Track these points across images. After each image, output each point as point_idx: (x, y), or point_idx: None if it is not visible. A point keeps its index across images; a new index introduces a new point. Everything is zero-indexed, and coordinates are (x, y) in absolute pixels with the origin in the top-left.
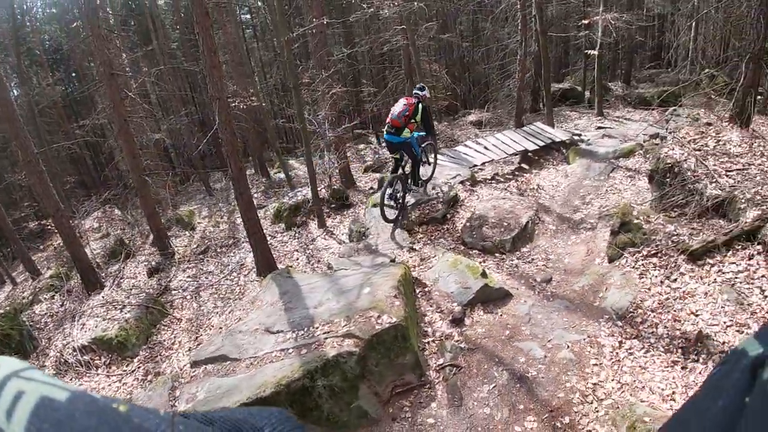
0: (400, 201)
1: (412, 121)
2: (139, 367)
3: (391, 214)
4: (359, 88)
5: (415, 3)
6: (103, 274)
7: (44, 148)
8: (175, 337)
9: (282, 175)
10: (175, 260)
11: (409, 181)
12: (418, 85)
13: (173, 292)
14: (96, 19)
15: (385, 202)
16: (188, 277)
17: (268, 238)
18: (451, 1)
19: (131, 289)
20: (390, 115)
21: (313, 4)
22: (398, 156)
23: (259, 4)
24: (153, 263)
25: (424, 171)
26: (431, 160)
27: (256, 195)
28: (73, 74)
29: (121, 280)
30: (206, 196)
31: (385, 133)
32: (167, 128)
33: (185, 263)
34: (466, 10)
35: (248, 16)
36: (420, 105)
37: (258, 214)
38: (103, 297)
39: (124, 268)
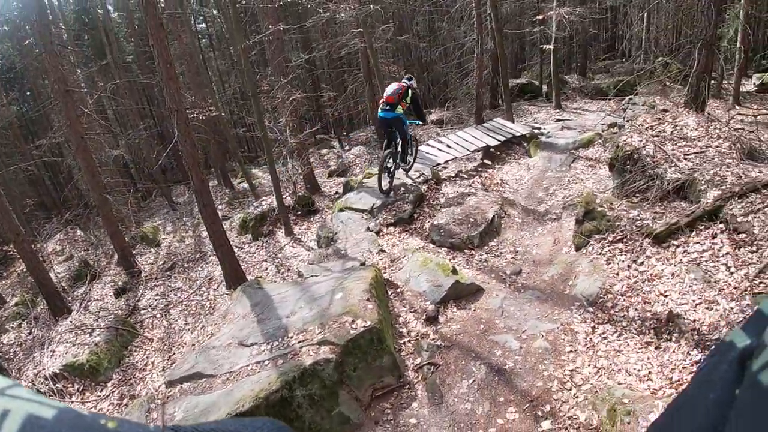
0: (392, 173)
1: (404, 101)
2: (113, 392)
3: (385, 185)
4: (319, 93)
5: (371, 6)
6: (70, 298)
7: (1, 171)
8: (147, 357)
9: (246, 185)
10: (142, 279)
11: (398, 159)
12: (406, 76)
13: (142, 311)
14: (48, 35)
15: (383, 173)
16: (156, 295)
17: (236, 250)
18: (406, 2)
19: (99, 312)
20: (384, 94)
21: (268, 10)
22: (391, 131)
23: (215, 12)
24: (119, 283)
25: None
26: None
27: (220, 206)
28: (28, 93)
29: (89, 303)
30: (169, 211)
31: (380, 111)
32: (126, 143)
33: (152, 281)
34: (422, 10)
35: (203, 26)
36: (410, 90)
37: (223, 225)
38: (71, 322)
39: (90, 290)
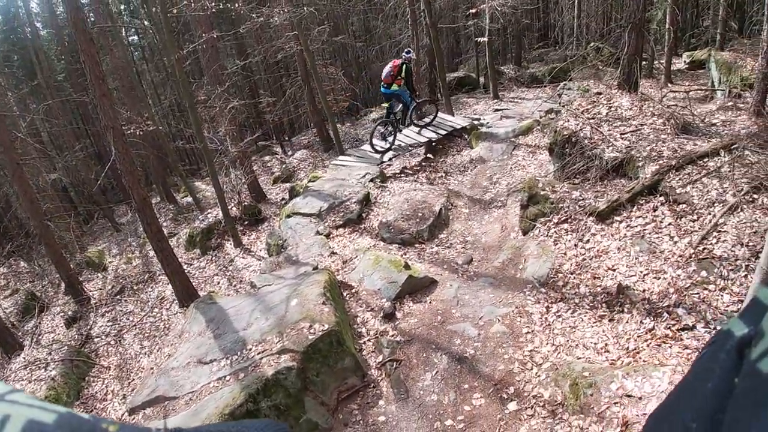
0: (391, 141)
1: (399, 77)
2: None
3: (380, 147)
4: (257, 99)
5: (305, 8)
6: (20, 333)
7: None
8: (107, 386)
9: (190, 199)
10: (92, 305)
11: (399, 124)
12: (406, 50)
13: (96, 339)
14: None
15: (374, 138)
16: (108, 321)
17: (185, 266)
18: (340, 2)
19: (52, 345)
20: (382, 75)
21: (201, 18)
22: (390, 104)
23: (146, 23)
24: (69, 313)
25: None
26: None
27: (165, 223)
28: None
29: (40, 337)
30: (113, 233)
31: (381, 88)
32: (63, 166)
33: (103, 307)
34: (356, 10)
35: (136, 38)
36: (405, 65)
37: (170, 242)
38: (24, 358)
39: (40, 323)
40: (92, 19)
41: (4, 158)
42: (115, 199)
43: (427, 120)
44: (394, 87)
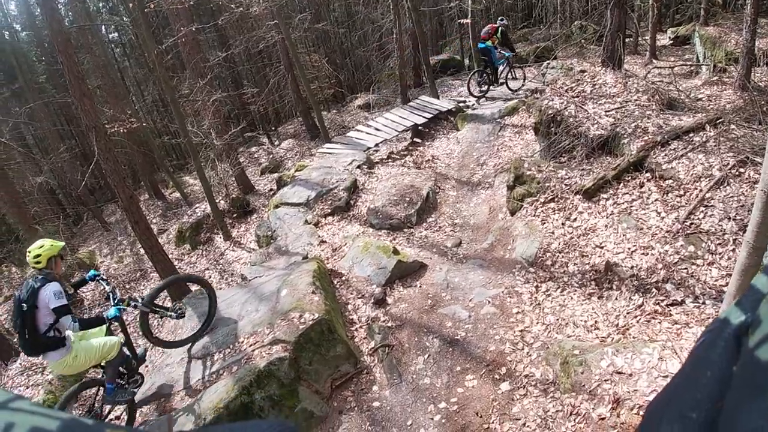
0: (484, 90)
1: (495, 36)
2: None
3: (476, 93)
4: (241, 90)
5: None
6: (15, 339)
7: None
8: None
9: (178, 194)
10: (85, 307)
11: (490, 82)
12: (500, 17)
13: None
14: None
15: (470, 85)
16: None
17: (176, 262)
18: None
19: None
20: (481, 33)
21: (179, 12)
22: (485, 58)
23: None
24: None
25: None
26: (516, 75)
27: (154, 220)
28: None
29: None
30: (103, 233)
31: (479, 44)
32: (49, 168)
33: (96, 308)
34: None
35: (116, 35)
36: (500, 29)
37: (160, 239)
38: (20, 364)
39: None
40: (70, 18)
41: None
42: (104, 198)
43: (514, 84)
44: (488, 43)
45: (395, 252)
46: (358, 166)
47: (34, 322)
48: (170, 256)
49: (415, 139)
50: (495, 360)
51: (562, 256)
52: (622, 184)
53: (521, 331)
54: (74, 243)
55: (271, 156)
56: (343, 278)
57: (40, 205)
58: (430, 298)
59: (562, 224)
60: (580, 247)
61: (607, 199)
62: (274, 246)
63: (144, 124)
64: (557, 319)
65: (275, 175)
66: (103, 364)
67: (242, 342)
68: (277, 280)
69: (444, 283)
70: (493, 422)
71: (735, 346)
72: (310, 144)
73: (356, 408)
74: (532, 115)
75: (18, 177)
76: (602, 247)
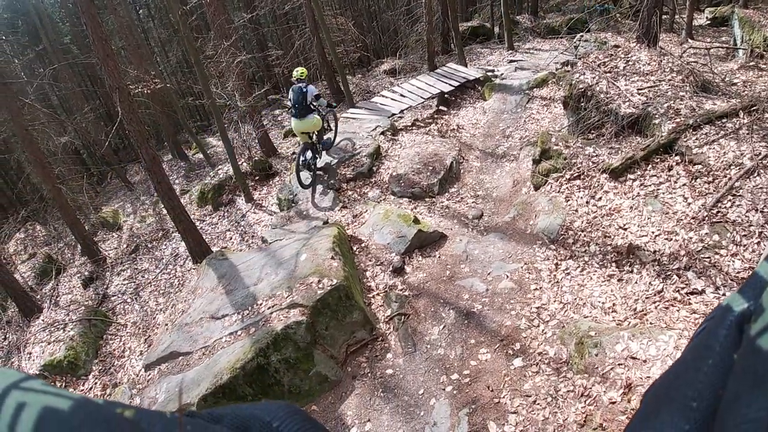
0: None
1: None
2: (95, 383)
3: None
4: (266, 52)
5: None
6: (39, 296)
7: None
8: (124, 344)
9: (201, 155)
10: (108, 265)
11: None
12: None
13: (113, 298)
14: None
15: None
16: (124, 279)
17: (197, 223)
18: None
19: (70, 305)
20: None
21: None
22: None
23: None
24: (86, 273)
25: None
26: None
27: (177, 180)
28: None
29: (58, 299)
30: (127, 192)
31: None
32: (74, 129)
33: (119, 266)
34: None
35: None
36: None
37: (182, 200)
38: (43, 320)
39: (58, 285)
40: None
41: (14, 125)
42: (128, 158)
43: None
44: None
45: (416, 221)
46: (382, 133)
47: (305, 101)
48: (192, 216)
49: (440, 107)
50: (510, 335)
51: (584, 235)
52: (650, 166)
53: (538, 308)
54: (98, 202)
55: None
56: (363, 245)
57: (65, 165)
58: (448, 269)
59: (587, 203)
60: (604, 228)
61: (634, 180)
62: (296, 209)
63: (168, 85)
64: (575, 299)
65: (298, 137)
66: (315, 132)
67: (261, 304)
68: (297, 244)
69: (463, 255)
70: (504, 397)
71: (737, 335)
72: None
73: (369, 374)
74: (561, 88)
75: (43, 137)
76: (626, 229)
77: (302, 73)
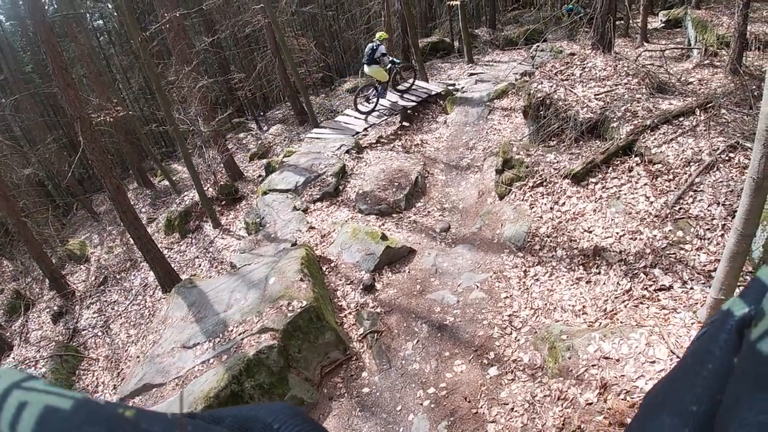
0: None
1: None
2: None
3: None
4: (228, 75)
5: None
6: (8, 333)
7: None
8: (97, 378)
9: (167, 182)
10: (77, 298)
11: None
12: None
13: (83, 332)
14: None
15: None
16: (94, 313)
17: (165, 251)
18: None
19: (40, 342)
20: None
21: None
22: None
23: (110, 6)
24: (55, 308)
25: None
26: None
27: (143, 208)
28: None
29: (28, 335)
30: (93, 223)
31: None
32: (37, 160)
33: (88, 299)
34: None
35: (101, 22)
36: None
37: (149, 228)
38: (14, 358)
39: (27, 321)
40: (54, 6)
41: None
42: (93, 188)
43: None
44: None
45: (384, 238)
46: (347, 151)
47: (373, 55)
48: (160, 244)
49: (404, 123)
50: (483, 345)
51: (551, 241)
52: (611, 169)
53: (509, 315)
54: (64, 234)
55: (259, 142)
56: (332, 264)
57: (29, 197)
58: (418, 284)
59: (551, 208)
60: (569, 232)
61: (596, 184)
62: (263, 233)
63: (130, 112)
64: (545, 304)
65: (264, 161)
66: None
67: (231, 331)
68: (265, 268)
69: (433, 269)
70: (481, 407)
71: (737, 339)
72: (299, 129)
73: (346, 394)
74: (521, 98)
75: (6, 169)
76: (590, 232)
77: (381, 36)
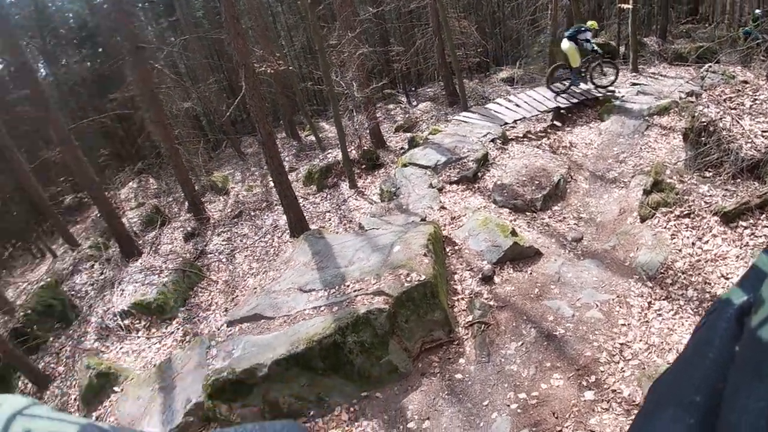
0: None
1: None
2: (177, 329)
3: None
4: (387, 47)
5: None
6: (141, 242)
7: (75, 125)
8: (211, 298)
9: (313, 138)
10: (210, 225)
11: None
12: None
13: (209, 255)
14: None
15: None
16: (223, 240)
17: (301, 200)
18: None
19: (168, 255)
20: None
21: None
22: None
23: None
24: (189, 229)
25: None
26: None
27: (287, 158)
28: (100, 50)
29: (158, 247)
30: (239, 161)
31: None
32: (197, 96)
33: (220, 227)
34: None
35: None
36: None
37: (290, 176)
38: (141, 263)
39: (160, 234)
40: None
41: (141, 86)
42: (244, 130)
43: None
44: None
45: (513, 233)
46: (492, 140)
47: (577, 35)
48: (297, 193)
49: (555, 122)
50: (587, 366)
51: (684, 278)
52: (764, 215)
53: (622, 344)
54: (210, 166)
55: (407, 115)
56: (456, 248)
57: (184, 128)
58: (537, 287)
59: (693, 244)
60: (705, 273)
61: (746, 228)
62: (396, 203)
63: (290, 68)
64: (662, 342)
65: (408, 134)
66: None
67: (348, 286)
68: (392, 235)
69: (555, 276)
70: (567, 427)
71: (737, 327)
72: (448, 110)
73: (439, 374)
74: (683, 119)
75: (167, 100)
76: (728, 279)
77: (593, 24)
